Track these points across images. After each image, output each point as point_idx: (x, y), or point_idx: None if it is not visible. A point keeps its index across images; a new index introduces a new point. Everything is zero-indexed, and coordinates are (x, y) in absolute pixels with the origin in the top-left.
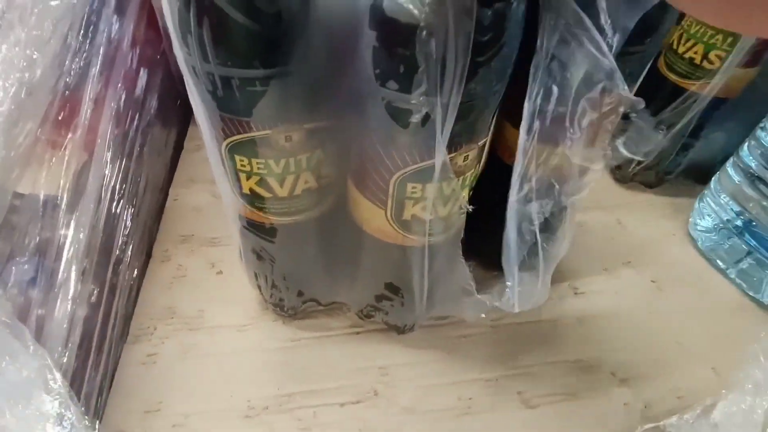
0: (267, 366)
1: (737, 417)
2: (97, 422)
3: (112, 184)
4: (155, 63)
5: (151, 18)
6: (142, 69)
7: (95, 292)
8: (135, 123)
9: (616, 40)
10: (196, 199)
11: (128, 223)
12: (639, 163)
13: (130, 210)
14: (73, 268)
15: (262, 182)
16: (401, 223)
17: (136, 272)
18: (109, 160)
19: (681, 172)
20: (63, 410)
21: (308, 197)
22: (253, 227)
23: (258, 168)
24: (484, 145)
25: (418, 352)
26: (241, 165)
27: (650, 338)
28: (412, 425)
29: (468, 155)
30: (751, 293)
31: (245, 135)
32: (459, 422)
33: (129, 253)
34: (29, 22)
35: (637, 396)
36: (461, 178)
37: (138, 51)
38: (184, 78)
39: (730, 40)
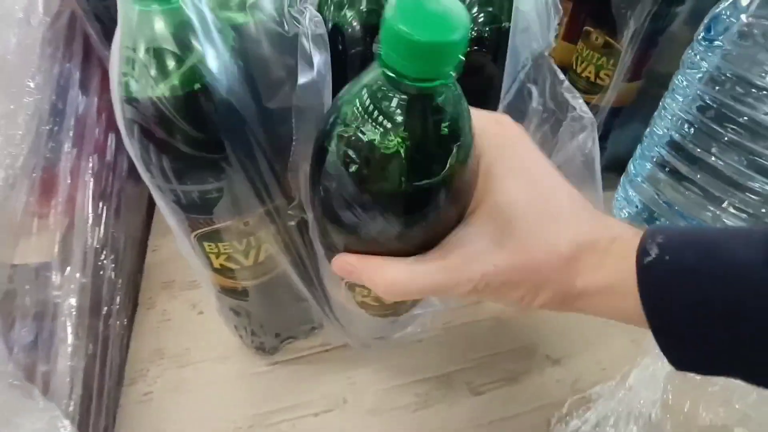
0: (249, 390)
1: (646, 379)
2: None
3: (95, 244)
4: None
5: None
6: (110, 134)
7: (90, 345)
8: (110, 185)
9: None
10: (173, 248)
11: (113, 277)
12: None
13: (113, 266)
14: (68, 326)
15: (229, 258)
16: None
17: (125, 321)
18: (90, 223)
19: (603, 169)
20: None
21: (272, 260)
22: (226, 292)
23: (224, 249)
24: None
25: (380, 359)
26: (210, 249)
27: (578, 320)
28: (377, 424)
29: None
30: None
31: (210, 227)
32: (417, 416)
33: (117, 304)
34: (4, 125)
35: (567, 372)
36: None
37: (104, 118)
38: (150, 189)
39: (612, 61)
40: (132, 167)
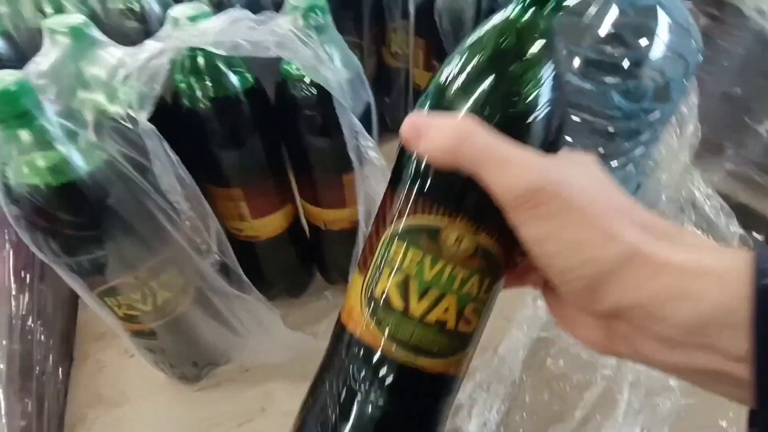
0: (179, 415)
1: (512, 346)
2: None
3: (22, 311)
4: None
5: None
6: None
7: (26, 402)
8: (31, 255)
9: None
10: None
11: (43, 338)
12: None
13: (42, 328)
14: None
15: (130, 308)
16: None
17: (61, 375)
18: (13, 293)
19: None
20: None
21: (169, 303)
22: (137, 334)
23: (123, 300)
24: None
25: (292, 371)
26: (111, 302)
27: None
28: (291, 424)
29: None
30: None
31: (105, 286)
32: None
33: (50, 362)
34: None
35: None
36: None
37: None
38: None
39: None
40: None
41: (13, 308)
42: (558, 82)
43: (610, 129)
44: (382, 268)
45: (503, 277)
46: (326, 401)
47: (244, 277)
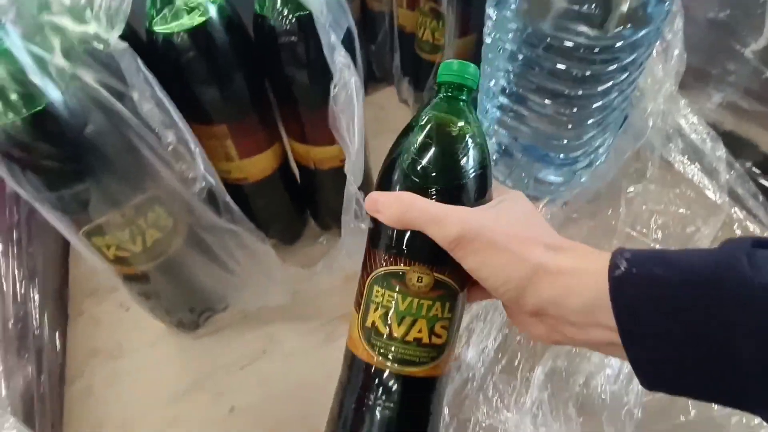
0: (180, 363)
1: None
2: None
3: (11, 271)
4: None
5: None
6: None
7: (26, 362)
8: (16, 215)
9: None
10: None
11: (37, 298)
12: None
13: (34, 287)
14: None
15: (119, 248)
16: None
17: (57, 332)
18: (1, 252)
19: None
20: None
21: (160, 244)
22: (129, 279)
23: (111, 240)
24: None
25: (291, 312)
26: (98, 243)
27: None
28: (295, 364)
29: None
30: (519, 190)
31: (91, 225)
32: (328, 348)
33: (46, 321)
34: None
35: None
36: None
37: None
38: (29, 200)
39: (441, 23)
40: None
41: (2, 269)
42: (477, 149)
43: (596, 50)
44: (369, 305)
45: (462, 298)
46: (347, 410)
47: (233, 205)
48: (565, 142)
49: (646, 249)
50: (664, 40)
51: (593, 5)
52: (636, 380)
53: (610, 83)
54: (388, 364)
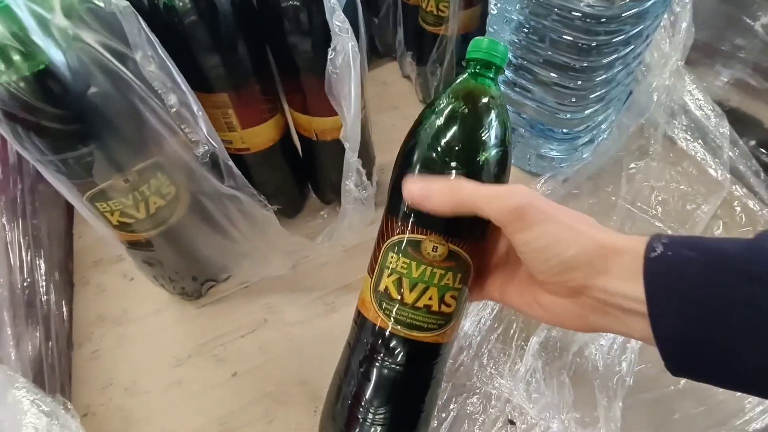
0: (183, 330)
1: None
2: (68, 402)
3: (16, 239)
4: None
5: None
6: (7, 141)
7: (34, 325)
8: (20, 186)
9: None
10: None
11: (42, 266)
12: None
13: (39, 256)
14: (5, 315)
15: (123, 214)
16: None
17: (63, 300)
18: (5, 223)
19: None
20: (38, 402)
21: (163, 211)
22: (133, 246)
23: (115, 206)
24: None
25: (292, 284)
26: (102, 208)
27: None
28: (295, 334)
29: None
30: (520, 166)
31: (95, 188)
32: (329, 319)
33: (52, 290)
34: None
35: None
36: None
37: None
38: (33, 164)
39: None
40: None
41: (6, 238)
42: (502, 127)
43: (603, 20)
44: (383, 270)
45: (472, 274)
46: (353, 368)
47: (236, 170)
48: (569, 116)
49: (684, 235)
50: (672, 12)
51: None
52: (629, 350)
53: (615, 55)
54: (398, 327)
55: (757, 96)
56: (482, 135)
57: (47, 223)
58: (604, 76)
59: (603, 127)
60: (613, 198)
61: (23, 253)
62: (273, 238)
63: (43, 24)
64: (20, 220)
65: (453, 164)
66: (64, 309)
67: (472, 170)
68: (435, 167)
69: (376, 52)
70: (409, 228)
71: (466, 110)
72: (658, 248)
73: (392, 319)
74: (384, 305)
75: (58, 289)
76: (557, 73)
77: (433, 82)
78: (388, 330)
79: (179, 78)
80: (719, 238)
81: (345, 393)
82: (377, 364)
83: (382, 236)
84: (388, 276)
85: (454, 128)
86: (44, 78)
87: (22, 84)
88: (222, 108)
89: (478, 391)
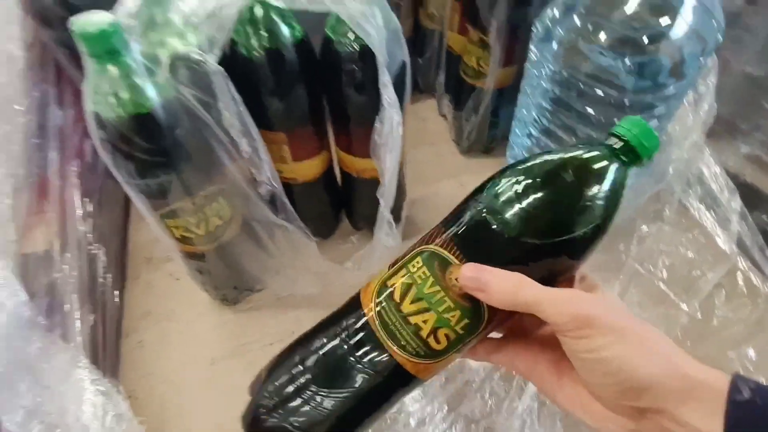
0: (220, 333)
1: None
2: (120, 386)
3: (86, 232)
4: None
5: None
6: (86, 140)
7: (92, 309)
8: (92, 183)
9: None
10: (150, 232)
11: (103, 257)
12: (469, 138)
13: (102, 249)
14: (74, 299)
15: (186, 230)
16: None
17: (117, 291)
18: (79, 216)
19: (502, 138)
20: (96, 382)
21: (219, 230)
22: (189, 256)
23: (181, 223)
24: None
25: (320, 301)
26: (170, 224)
27: None
28: None
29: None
30: None
31: (167, 208)
32: None
33: (109, 279)
34: (6, 144)
35: None
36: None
37: (80, 127)
38: (121, 184)
39: (487, 52)
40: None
41: (79, 229)
42: (608, 220)
43: (626, 101)
44: (401, 269)
45: (481, 330)
46: (318, 342)
47: (289, 206)
48: None
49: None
50: (697, 91)
51: (631, 64)
52: None
53: None
54: (379, 327)
55: None
56: (580, 224)
57: (109, 220)
58: None
59: None
60: (624, 257)
61: (91, 246)
62: (309, 260)
63: (152, 75)
64: (89, 214)
65: (541, 239)
66: (117, 301)
67: (545, 254)
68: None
69: (417, 88)
70: (449, 245)
71: (577, 185)
72: (745, 392)
73: (380, 315)
74: (382, 297)
75: (114, 282)
76: (584, 126)
77: (466, 128)
78: (369, 320)
79: (253, 129)
80: None
81: (297, 356)
82: (340, 346)
83: (423, 239)
84: (403, 276)
85: (559, 199)
86: (145, 119)
87: (126, 122)
88: (278, 143)
89: (478, 422)
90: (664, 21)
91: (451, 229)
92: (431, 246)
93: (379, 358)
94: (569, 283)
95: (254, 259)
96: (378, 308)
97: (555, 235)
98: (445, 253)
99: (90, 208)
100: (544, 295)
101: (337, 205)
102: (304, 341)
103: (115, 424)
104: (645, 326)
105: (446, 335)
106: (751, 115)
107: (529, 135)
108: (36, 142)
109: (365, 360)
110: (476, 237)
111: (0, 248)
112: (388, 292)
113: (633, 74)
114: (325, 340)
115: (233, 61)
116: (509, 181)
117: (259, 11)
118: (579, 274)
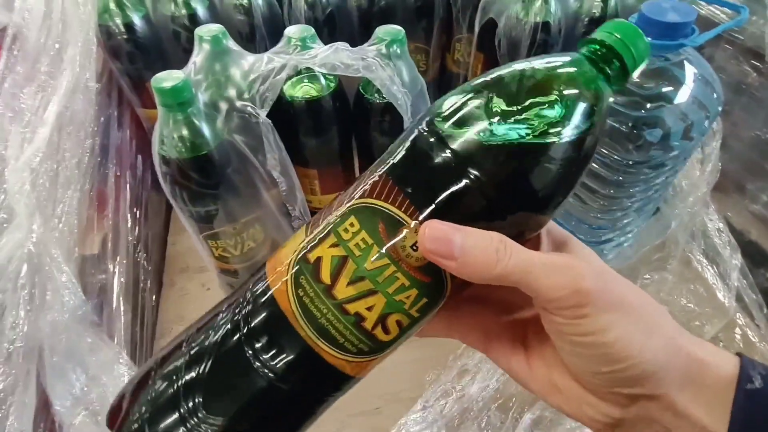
0: None
1: None
2: None
3: (132, 240)
4: (147, 148)
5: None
6: (138, 156)
7: (132, 310)
8: (140, 195)
9: None
10: (187, 243)
11: (145, 263)
12: None
13: (145, 255)
14: (120, 297)
15: (224, 251)
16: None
17: (154, 296)
18: (129, 224)
19: None
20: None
21: (252, 251)
22: (224, 272)
23: (221, 244)
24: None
25: None
26: (212, 244)
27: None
28: None
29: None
30: None
31: (211, 231)
32: None
33: (149, 284)
34: (77, 161)
35: None
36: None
37: (134, 144)
38: (175, 208)
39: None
40: (154, 180)
41: (128, 236)
42: (586, 151)
43: (638, 159)
44: (328, 234)
45: (439, 305)
46: (209, 336)
47: None
48: (598, 215)
49: None
50: (704, 150)
51: (634, 132)
52: None
53: (641, 180)
54: (303, 321)
55: None
56: (573, 125)
57: (152, 230)
58: (630, 203)
59: (629, 231)
60: None
61: (137, 252)
62: None
63: (212, 124)
64: (137, 224)
65: (499, 183)
66: (153, 305)
67: (542, 162)
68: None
69: None
70: (398, 199)
71: (565, 90)
72: (756, 380)
73: (302, 305)
74: (301, 281)
75: (152, 286)
76: (593, 181)
77: None
78: (285, 314)
79: (291, 171)
80: None
81: (176, 363)
82: (244, 351)
83: (352, 190)
84: (332, 245)
85: (543, 98)
86: (203, 160)
87: (187, 161)
88: (310, 178)
89: None
90: (671, 88)
91: (396, 171)
92: (370, 200)
93: (305, 366)
94: (536, 244)
95: None
96: (300, 296)
97: (528, 164)
98: (392, 209)
99: (137, 217)
100: (535, 261)
101: None
102: (182, 347)
103: None
104: (638, 294)
105: (398, 321)
106: (756, 176)
107: None
108: (98, 160)
109: (278, 367)
110: (435, 179)
111: (66, 254)
112: (311, 269)
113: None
114: (221, 346)
115: (277, 105)
116: (466, 98)
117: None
118: (544, 229)
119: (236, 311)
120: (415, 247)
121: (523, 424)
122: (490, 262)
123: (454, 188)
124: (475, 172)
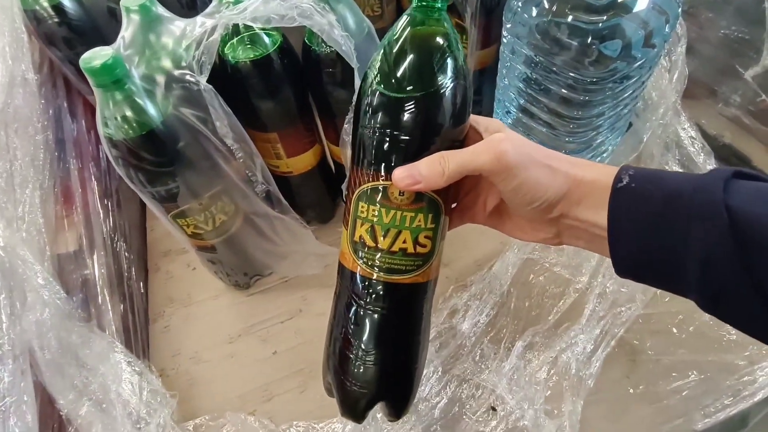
0: (235, 314)
1: (504, 265)
2: (152, 365)
3: (109, 231)
4: None
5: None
6: (100, 146)
7: (120, 299)
8: (109, 185)
9: None
10: (165, 226)
11: (126, 253)
12: None
13: (124, 244)
14: (104, 290)
15: (196, 227)
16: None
17: (141, 282)
18: (101, 217)
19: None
20: (132, 363)
21: (225, 224)
22: (201, 249)
23: (191, 221)
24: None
25: (324, 280)
26: (181, 223)
27: (462, 231)
28: (324, 321)
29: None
30: None
31: (177, 209)
32: None
33: (133, 271)
34: (30, 159)
35: (452, 270)
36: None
37: (93, 135)
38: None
39: (464, 36)
40: None
41: (102, 229)
42: (454, 59)
43: (599, 75)
44: (356, 221)
45: (443, 211)
46: (341, 317)
47: (284, 201)
48: (570, 139)
49: (649, 168)
50: (670, 59)
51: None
52: (594, 359)
53: (608, 95)
54: (376, 273)
55: (749, 134)
56: (437, 65)
57: (128, 218)
58: (600, 122)
59: (604, 151)
60: None
61: (115, 243)
62: (308, 245)
63: (152, 98)
64: (110, 214)
65: (407, 98)
66: (142, 290)
67: (429, 101)
68: (387, 104)
69: None
70: (374, 176)
71: (418, 43)
72: (624, 179)
73: (370, 266)
74: (360, 253)
75: (138, 273)
76: (559, 105)
77: None
78: (366, 276)
79: (245, 136)
80: (679, 175)
81: (335, 336)
82: (361, 309)
83: (351, 187)
84: (362, 225)
85: (407, 61)
86: (150, 137)
87: (134, 140)
88: (272, 143)
89: (469, 381)
90: None
91: (364, 161)
92: (363, 187)
93: (395, 293)
94: (478, 140)
95: (259, 247)
96: (365, 261)
97: (424, 105)
98: (375, 183)
99: (110, 208)
100: (465, 154)
101: (334, 192)
102: (333, 326)
103: (151, 398)
104: (544, 152)
105: (426, 236)
106: (725, 80)
107: (508, 113)
108: (56, 155)
109: (386, 304)
110: (383, 150)
111: (37, 253)
112: (361, 244)
113: (609, 50)
114: (349, 314)
115: (222, 72)
116: (371, 97)
117: (242, 27)
118: (482, 126)
119: (344, 295)
120: (401, 193)
121: (516, 352)
122: (439, 171)
123: (395, 151)
124: (396, 132)
